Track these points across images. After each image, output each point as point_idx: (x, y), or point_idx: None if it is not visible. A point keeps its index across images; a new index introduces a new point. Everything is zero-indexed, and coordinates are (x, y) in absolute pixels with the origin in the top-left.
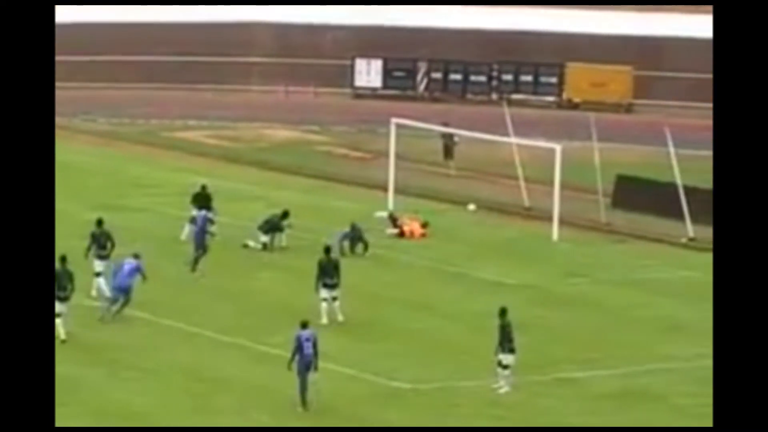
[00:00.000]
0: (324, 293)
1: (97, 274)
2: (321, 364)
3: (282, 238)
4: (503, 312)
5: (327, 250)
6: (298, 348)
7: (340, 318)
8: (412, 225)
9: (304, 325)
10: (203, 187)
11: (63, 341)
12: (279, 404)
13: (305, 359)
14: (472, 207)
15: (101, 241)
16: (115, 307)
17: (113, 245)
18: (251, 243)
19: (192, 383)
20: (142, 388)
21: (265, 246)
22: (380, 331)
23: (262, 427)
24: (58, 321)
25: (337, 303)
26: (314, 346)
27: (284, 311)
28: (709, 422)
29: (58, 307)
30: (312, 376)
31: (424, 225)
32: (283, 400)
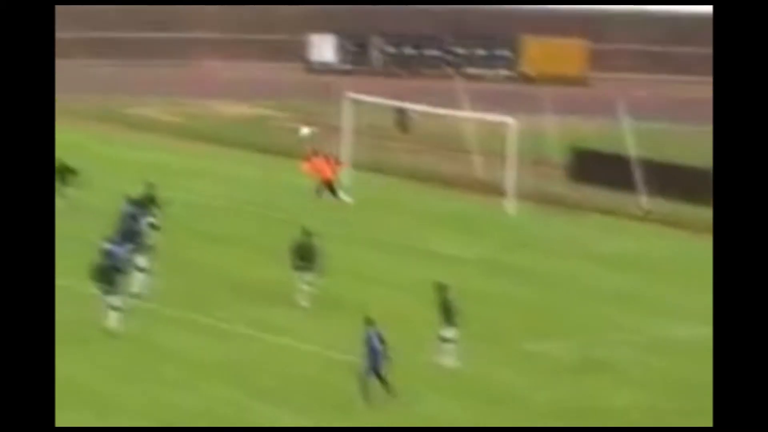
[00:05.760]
0: (301, 275)
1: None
2: (275, 339)
3: None
4: (441, 287)
5: (305, 232)
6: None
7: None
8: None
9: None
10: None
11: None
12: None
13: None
14: (306, 131)
15: None
16: None
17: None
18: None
19: (142, 356)
20: None
21: None
22: (329, 304)
23: (267, 427)
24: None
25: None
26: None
27: (239, 286)
28: (657, 392)
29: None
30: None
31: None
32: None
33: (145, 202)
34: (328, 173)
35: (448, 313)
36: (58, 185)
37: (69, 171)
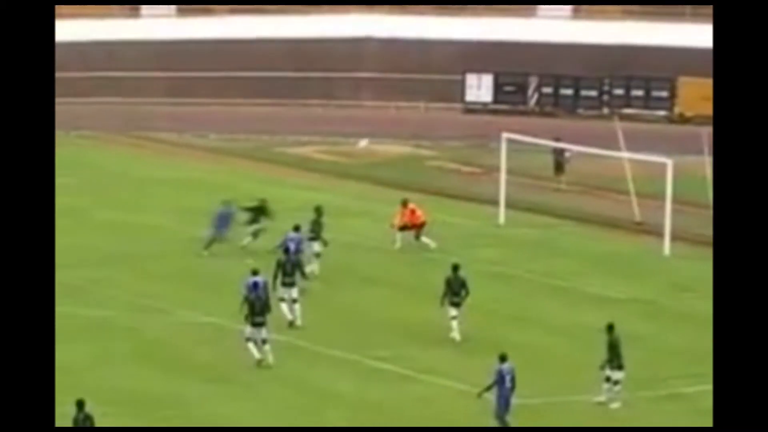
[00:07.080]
0: (453, 311)
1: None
2: (432, 379)
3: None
4: (611, 328)
5: (455, 267)
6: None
7: (458, 337)
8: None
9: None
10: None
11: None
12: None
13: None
14: (363, 142)
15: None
16: None
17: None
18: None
19: (300, 397)
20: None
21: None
22: (487, 345)
23: (261, 427)
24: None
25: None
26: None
27: (395, 326)
28: None
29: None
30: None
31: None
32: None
33: (313, 229)
34: (419, 218)
35: (616, 354)
36: (249, 223)
37: (264, 210)
